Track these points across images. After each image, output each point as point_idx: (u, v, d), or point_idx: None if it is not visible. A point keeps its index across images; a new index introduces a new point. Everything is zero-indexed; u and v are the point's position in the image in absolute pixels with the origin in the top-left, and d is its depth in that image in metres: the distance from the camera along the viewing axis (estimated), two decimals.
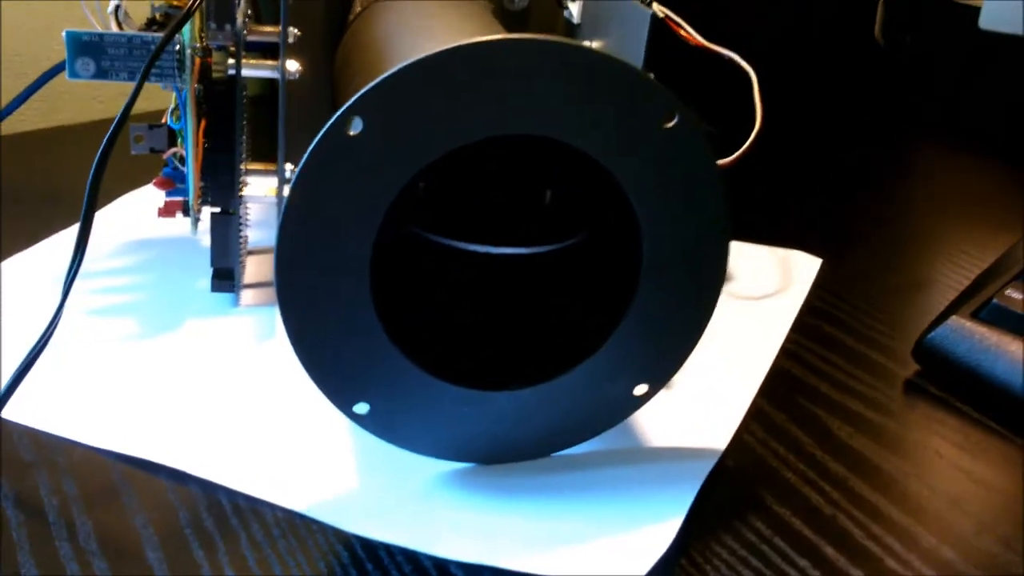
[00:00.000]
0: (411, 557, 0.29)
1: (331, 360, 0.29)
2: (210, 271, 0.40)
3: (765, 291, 0.44)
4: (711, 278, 0.31)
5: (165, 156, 0.40)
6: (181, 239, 0.45)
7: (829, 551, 0.29)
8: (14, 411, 0.33)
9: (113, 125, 0.31)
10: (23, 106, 0.52)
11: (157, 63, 0.35)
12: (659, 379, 0.32)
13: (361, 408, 0.30)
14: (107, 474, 0.32)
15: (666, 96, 0.28)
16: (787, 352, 0.39)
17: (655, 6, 0.43)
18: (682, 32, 0.43)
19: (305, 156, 0.26)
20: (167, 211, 0.40)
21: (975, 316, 0.37)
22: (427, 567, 0.28)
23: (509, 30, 0.45)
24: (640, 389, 0.32)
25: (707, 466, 0.32)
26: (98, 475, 0.32)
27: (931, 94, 0.75)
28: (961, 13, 0.70)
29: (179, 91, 0.37)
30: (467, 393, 0.31)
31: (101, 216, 0.48)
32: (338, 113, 0.26)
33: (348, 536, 0.29)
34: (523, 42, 0.27)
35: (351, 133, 0.26)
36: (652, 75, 0.40)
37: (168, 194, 0.40)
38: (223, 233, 0.39)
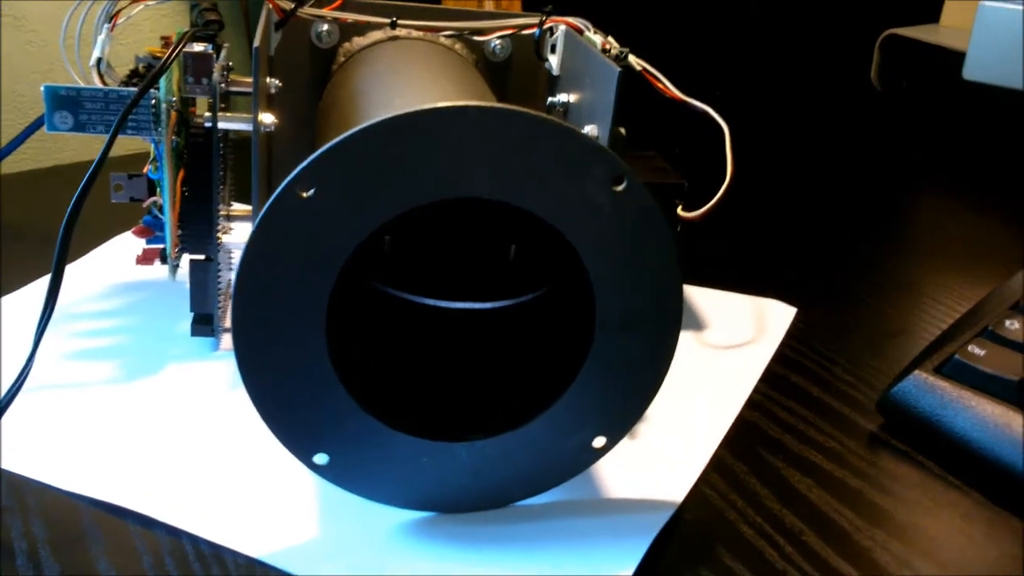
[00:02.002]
0: None
1: (289, 412, 0.30)
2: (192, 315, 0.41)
3: (737, 340, 0.44)
4: (666, 335, 0.31)
5: (145, 205, 0.41)
6: (168, 282, 0.46)
7: None
8: None
9: (84, 180, 0.32)
10: (24, 145, 0.54)
11: (134, 116, 0.36)
12: (616, 432, 0.32)
13: (320, 459, 0.31)
14: (76, 518, 0.32)
15: (614, 161, 0.29)
16: (753, 403, 0.40)
17: (632, 59, 0.44)
18: (659, 85, 0.44)
19: (259, 217, 0.27)
20: (145, 258, 0.41)
21: (938, 371, 0.37)
22: None
23: (492, 81, 0.46)
24: (598, 441, 0.32)
25: (662, 519, 0.32)
26: (68, 519, 0.32)
27: (923, 140, 0.75)
28: (957, 59, 0.71)
29: (156, 143, 0.38)
30: (425, 444, 0.31)
31: (90, 258, 0.50)
32: (290, 177, 0.27)
33: None
34: (471, 109, 0.27)
35: (304, 195, 0.27)
36: (623, 130, 0.41)
37: (148, 242, 0.41)
38: (202, 279, 0.40)
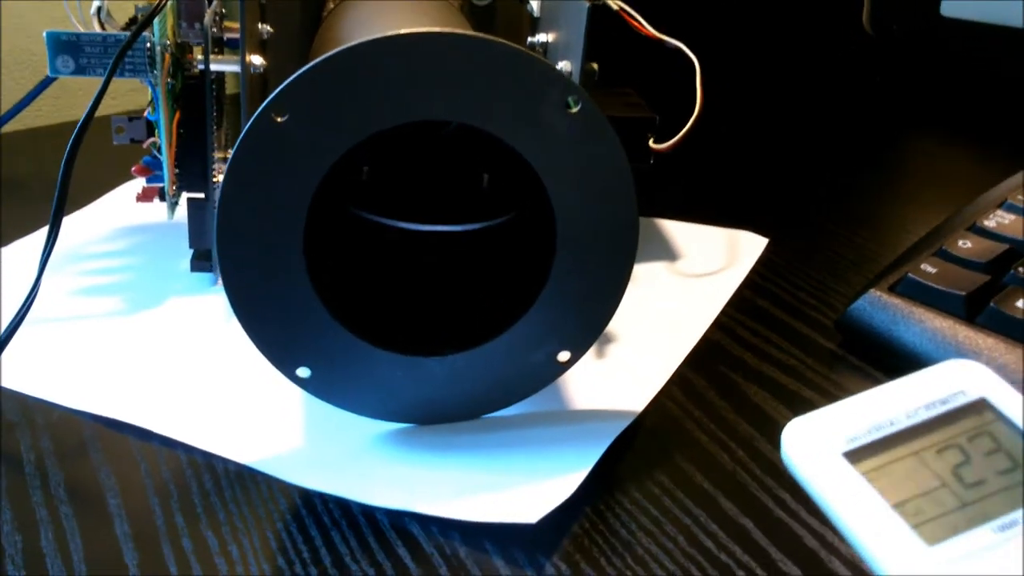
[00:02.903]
0: (342, 504, 0.32)
1: (272, 328, 0.32)
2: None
3: (708, 268, 0.46)
4: (622, 253, 0.33)
5: (145, 145, 0.43)
6: (170, 224, 0.48)
7: (724, 502, 0.32)
8: (3, 377, 0.37)
9: (83, 117, 0.34)
10: (38, 102, 0.56)
11: (130, 59, 0.39)
12: (580, 346, 0.34)
13: (303, 372, 0.33)
14: (80, 432, 0.35)
15: (568, 83, 0.30)
16: (719, 325, 0.42)
17: None
18: (634, 23, 0.46)
19: (238, 141, 0.30)
20: (145, 196, 0.43)
21: (892, 289, 0.39)
22: (355, 513, 0.31)
23: (476, 26, 0.48)
24: (563, 356, 0.34)
25: (621, 425, 0.35)
26: (72, 433, 0.35)
27: (911, 83, 0.76)
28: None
29: (152, 86, 0.40)
30: (401, 359, 0.33)
31: (97, 205, 0.52)
32: (266, 102, 0.29)
33: (288, 486, 0.33)
34: (431, 35, 0.29)
35: (278, 120, 0.29)
36: (595, 65, 0.43)
37: (148, 180, 0.43)
38: (199, 217, 0.43)
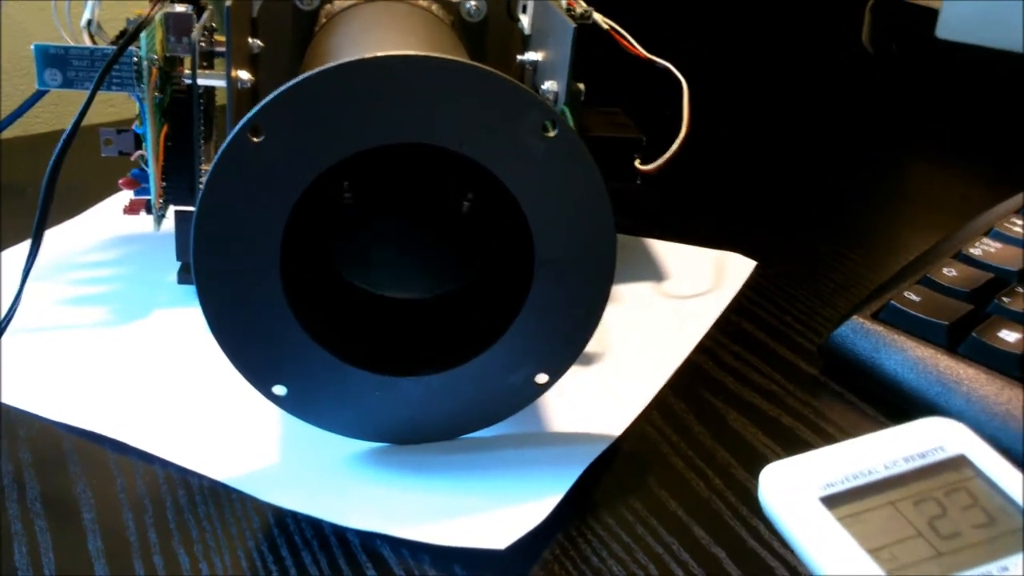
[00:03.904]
0: (314, 524, 0.32)
1: (248, 346, 0.32)
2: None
3: (695, 290, 0.46)
4: (600, 275, 0.33)
5: (133, 158, 0.43)
6: (158, 236, 0.48)
7: (697, 530, 0.32)
8: None
9: (66, 133, 0.34)
10: (38, 108, 0.56)
11: (117, 73, 0.39)
12: (558, 368, 0.34)
13: (279, 390, 0.33)
14: (60, 444, 0.35)
15: (544, 108, 0.30)
16: (703, 347, 0.42)
17: (598, 17, 0.46)
18: (624, 43, 0.46)
19: (215, 159, 0.30)
20: (132, 209, 0.44)
21: (875, 316, 0.39)
22: (327, 533, 0.31)
23: (468, 43, 0.48)
24: (541, 378, 0.34)
25: (597, 450, 0.35)
26: (52, 446, 0.35)
27: (910, 103, 0.76)
28: None
29: (139, 99, 0.40)
30: (377, 378, 0.33)
31: (89, 214, 0.53)
32: (242, 122, 0.29)
33: (262, 504, 0.33)
34: (400, 58, 0.29)
35: (254, 140, 0.30)
36: (581, 85, 0.43)
37: (136, 193, 0.44)
38: (186, 229, 0.43)
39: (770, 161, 0.66)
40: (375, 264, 0.37)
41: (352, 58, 0.29)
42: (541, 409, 0.37)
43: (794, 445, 0.36)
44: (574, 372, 0.34)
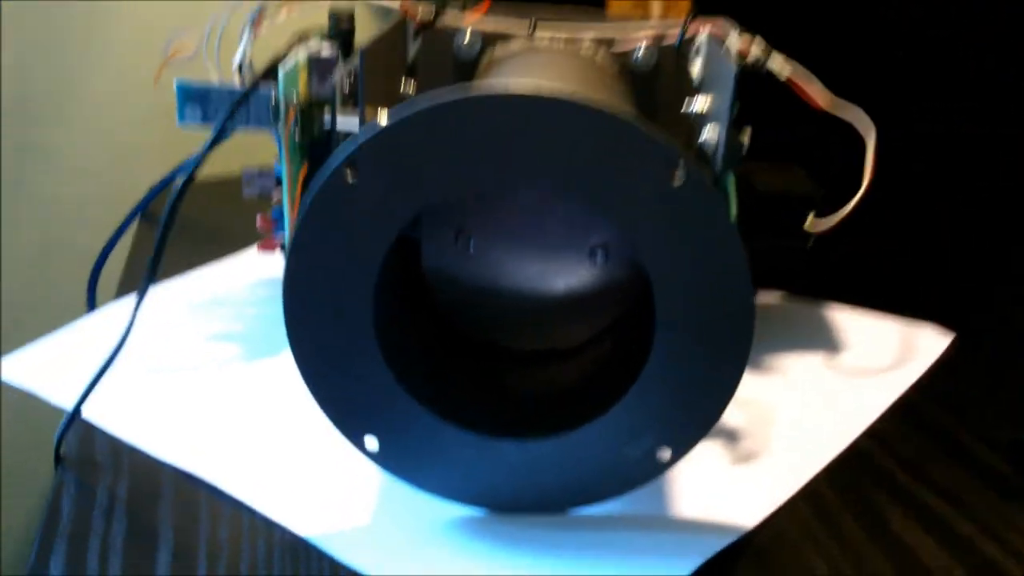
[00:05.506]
0: None
1: (340, 396, 0.30)
2: None
3: (875, 365, 0.40)
4: (735, 340, 0.29)
5: (275, 200, 0.43)
6: None
7: None
8: (102, 417, 0.37)
9: (195, 160, 0.34)
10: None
11: (254, 112, 0.38)
12: (683, 444, 0.30)
13: (371, 441, 0.31)
14: (157, 480, 0.34)
15: (672, 153, 0.27)
16: (873, 433, 0.36)
17: (779, 63, 0.41)
18: (804, 95, 0.41)
19: (308, 201, 0.28)
20: (266, 246, 0.43)
21: None
22: None
23: (636, 92, 0.45)
24: (663, 453, 0.30)
25: (721, 542, 0.30)
26: (150, 481, 0.34)
27: None
28: None
29: (277, 138, 0.39)
30: (472, 437, 0.30)
31: (241, 256, 0.53)
32: (337, 161, 0.27)
33: (338, 566, 0.30)
34: (512, 98, 0.26)
35: (350, 181, 0.27)
36: (746, 137, 0.38)
37: (275, 232, 0.43)
38: None
39: (972, 214, 0.58)
40: (485, 308, 0.34)
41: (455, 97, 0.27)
42: (664, 488, 0.33)
43: (971, 559, 0.29)
44: (708, 449, 0.30)
